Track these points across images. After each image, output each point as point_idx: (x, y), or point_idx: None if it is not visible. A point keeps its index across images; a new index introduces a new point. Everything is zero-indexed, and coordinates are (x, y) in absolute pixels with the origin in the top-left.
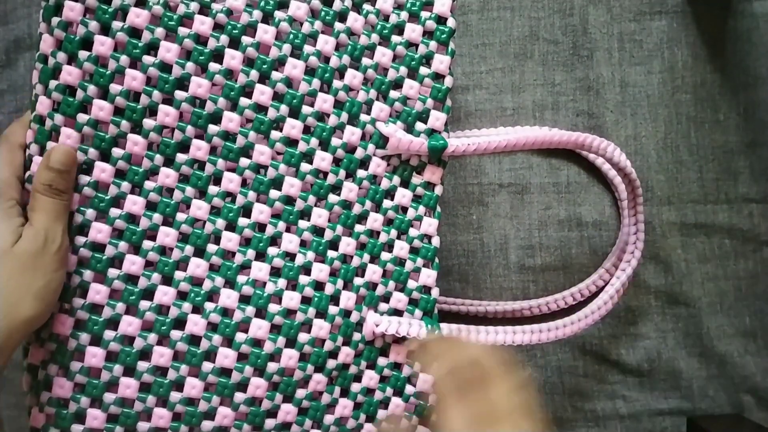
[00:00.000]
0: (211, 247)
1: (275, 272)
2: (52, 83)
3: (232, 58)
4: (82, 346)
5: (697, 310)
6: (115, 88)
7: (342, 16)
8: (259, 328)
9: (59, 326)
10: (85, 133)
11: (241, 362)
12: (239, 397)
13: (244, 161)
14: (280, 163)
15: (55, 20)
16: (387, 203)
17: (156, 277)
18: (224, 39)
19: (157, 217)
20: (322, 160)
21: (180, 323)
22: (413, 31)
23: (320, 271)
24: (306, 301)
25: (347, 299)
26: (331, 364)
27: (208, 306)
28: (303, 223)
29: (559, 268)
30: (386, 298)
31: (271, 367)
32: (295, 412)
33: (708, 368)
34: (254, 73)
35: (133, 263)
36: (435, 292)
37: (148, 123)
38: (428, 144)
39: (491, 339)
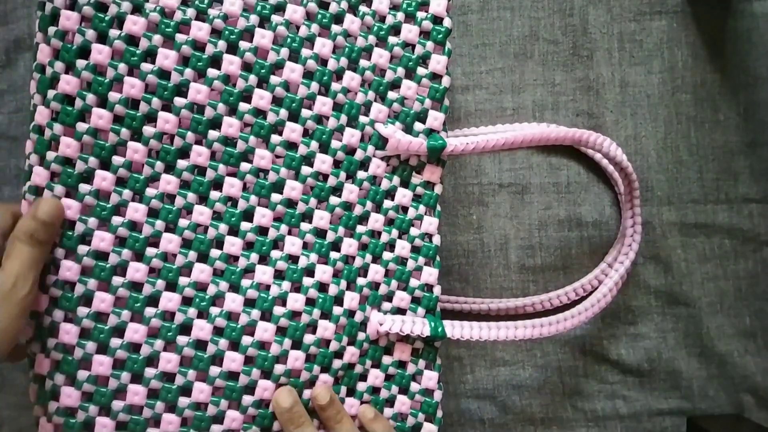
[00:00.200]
0: (215, 252)
1: (279, 275)
2: (51, 93)
3: (231, 64)
4: (89, 355)
5: (697, 310)
6: (113, 96)
7: (338, 19)
8: (265, 330)
9: (64, 335)
10: (84, 141)
11: (248, 365)
12: (247, 399)
13: (244, 166)
14: (281, 166)
15: (51, 30)
16: (387, 203)
17: (160, 283)
18: (222, 44)
19: (159, 224)
20: (323, 162)
21: (186, 329)
22: (410, 31)
23: (323, 272)
24: (310, 302)
25: (351, 299)
26: (336, 364)
27: (214, 311)
28: (305, 226)
29: (559, 268)
30: (389, 297)
31: (278, 369)
32: None
33: (708, 368)
34: (253, 78)
35: (137, 270)
36: (437, 290)
37: (147, 130)
38: (427, 144)
39: (493, 335)
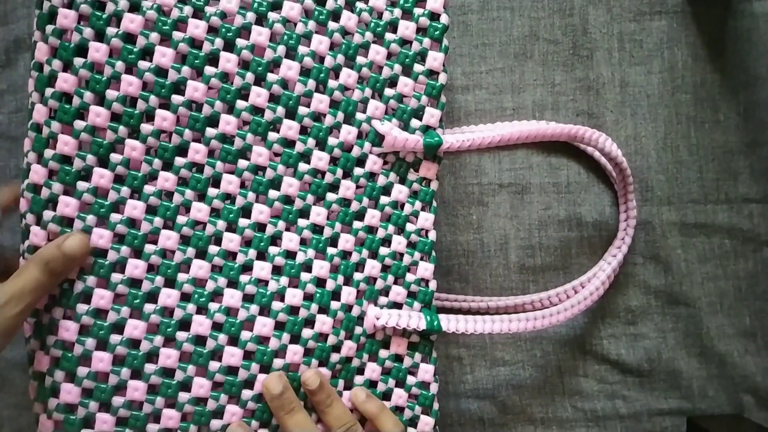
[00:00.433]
0: (213, 249)
1: (277, 271)
2: (48, 91)
3: (228, 61)
4: (89, 352)
5: (697, 310)
6: (111, 94)
7: (335, 15)
8: (263, 325)
9: (64, 332)
10: (82, 139)
11: (248, 360)
12: (246, 394)
13: (242, 163)
14: (278, 163)
15: (49, 28)
16: (384, 200)
17: (159, 280)
18: (219, 42)
19: (157, 221)
20: (320, 159)
21: (185, 324)
22: (406, 28)
23: (321, 267)
24: (308, 297)
25: (348, 294)
26: (334, 358)
27: (213, 306)
28: (302, 222)
29: (559, 268)
30: (386, 292)
31: (277, 363)
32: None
33: (708, 368)
34: (250, 76)
35: (135, 267)
36: (432, 284)
37: (145, 128)
38: (423, 141)
39: (488, 328)
